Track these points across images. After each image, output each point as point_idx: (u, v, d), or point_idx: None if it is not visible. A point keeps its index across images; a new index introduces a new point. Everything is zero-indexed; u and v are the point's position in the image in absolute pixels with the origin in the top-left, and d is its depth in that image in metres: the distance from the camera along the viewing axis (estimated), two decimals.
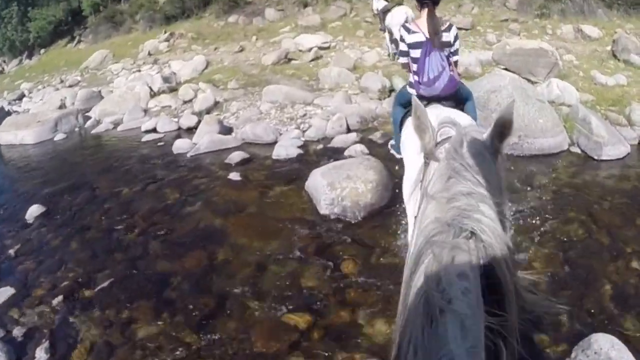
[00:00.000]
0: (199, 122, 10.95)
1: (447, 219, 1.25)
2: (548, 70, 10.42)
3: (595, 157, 7.51)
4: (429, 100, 4.36)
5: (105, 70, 20.37)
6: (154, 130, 11.60)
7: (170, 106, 13.04)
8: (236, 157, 8.65)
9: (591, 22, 16.89)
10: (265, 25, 21.97)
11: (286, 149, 8.57)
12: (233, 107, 11.67)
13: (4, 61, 33.53)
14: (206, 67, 16.23)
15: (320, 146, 8.73)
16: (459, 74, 4.84)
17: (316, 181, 6.59)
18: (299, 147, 8.75)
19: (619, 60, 11.82)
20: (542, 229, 5.56)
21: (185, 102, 12.93)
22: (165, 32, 22.06)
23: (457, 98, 4.51)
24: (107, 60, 22.17)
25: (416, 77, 4.47)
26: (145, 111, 13.17)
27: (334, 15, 21.05)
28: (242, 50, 18.65)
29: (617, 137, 7.72)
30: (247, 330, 4.41)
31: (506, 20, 18.02)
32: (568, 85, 9.44)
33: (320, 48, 16.70)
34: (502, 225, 1.31)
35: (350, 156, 7.87)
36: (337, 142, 8.64)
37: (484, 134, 1.67)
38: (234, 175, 7.96)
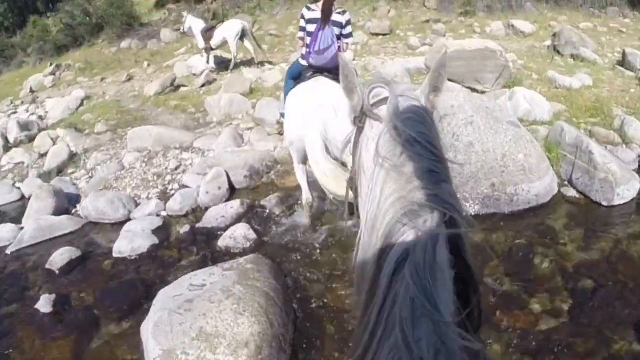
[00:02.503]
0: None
1: (416, 199, 0.98)
2: (497, 75, 7.32)
3: (605, 203, 4.50)
4: (316, 70, 4.44)
5: None
6: None
7: (23, 163, 9.06)
8: (61, 257, 5.03)
9: (521, 17, 14.20)
10: (161, 48, 18.10)
11: (133, 238, 5.02)
12: (91, 162, 7.90)
13: None
14: (81, 104, 12.26)
15: (187, 228, 5.20)
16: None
17: (147, 342, 3.11)
18: (156, 230, 5.23)
19: (562, 55, 8.81)
20: None
21: (41, 156, 9.00)
22: (50, 65, 17.67)
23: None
24: None
25: (308, 49, 4.49)
26: None
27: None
28: (130, 79, 14.77)
29: (625, 169, 4.64)
30: None
31: (427, 21, 15.09)
32: (535, 94, 6.33)
33: (217, 70, 13.12)
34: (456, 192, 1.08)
35: (227, 249, 4.44)
36: (211, 219, 5.17)
37: (417, 91, 1.34)
38: (45, 304, 4.35)
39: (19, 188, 7.79)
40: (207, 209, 5.44)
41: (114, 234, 5.41)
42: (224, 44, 12.73)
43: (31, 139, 9.88)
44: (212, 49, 12.91)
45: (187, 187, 6.15)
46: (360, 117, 1.35)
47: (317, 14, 4.45)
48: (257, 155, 6.33)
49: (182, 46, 17.33)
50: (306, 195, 4.56)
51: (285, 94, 4.73)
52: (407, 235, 0.94)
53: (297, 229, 4.69)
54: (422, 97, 1.32)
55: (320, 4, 4.49)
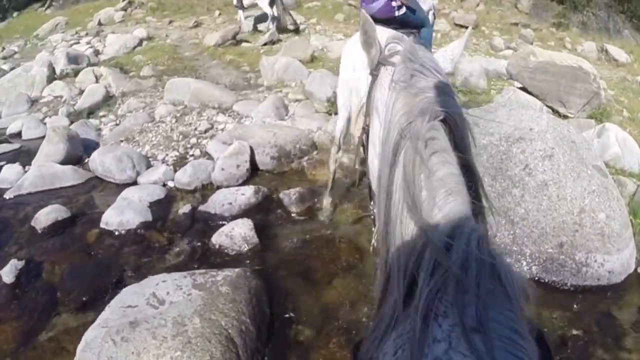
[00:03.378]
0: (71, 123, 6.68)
1: (419, 109, 1.07)
2: (585, 102, 6.04)
3: None
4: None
5: (46, 41, 15.70)
6: (19, 135, 7.18)
7: (61, 97, 8.53)
8: (47, 217, 4.34)
9: (617, 43, 12.43)
10: None
11: (125, 210, 4.23)
12: (123, 108, 7.21)
13: None
14: (139, 44, 11.64)
15: (188, 208, 4.34)
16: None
17: None
18: (154, 204, 4.41)
19: None
20: None
21: (80, 92, 8.40)
22: (123, 0, 17.23)
23: (408, 23, 4.15)
24: (58, 29, 17.47)
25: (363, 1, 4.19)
26: (33, 102, 8.65)
27: None
28: (197, 25, 14.11)
29: None
30: None
31: (516, 24, 13.55)
32: (628, 136, 5.01)
33: (287, 30, 12.17)
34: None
35: (219, 249, 3.57)
36: (216, 203, 4.26)
37: (438, 51, 1.49)
38: (9, 272, 3.72)
39: (45, 124, 7.26)
40: (218, 187, 4.57)
41: (113, 197, 4.65)
42: (254, 4, 12.36)
43: (77, 73, 9.33)
44: (244, 8, 12.79)
45: (208, 156, 5.30)
46: (377, 67, 1.43)
47: None
48: (292, 135, 5.32)
49: None
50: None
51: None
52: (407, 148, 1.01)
53: (311, 243, 3.74)
54: (443, 58, 1.42)
55: None
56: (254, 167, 4.86)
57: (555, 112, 5.97)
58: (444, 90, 1.10)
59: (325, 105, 6.51)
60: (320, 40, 11.13)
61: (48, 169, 5.36)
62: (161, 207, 4.38)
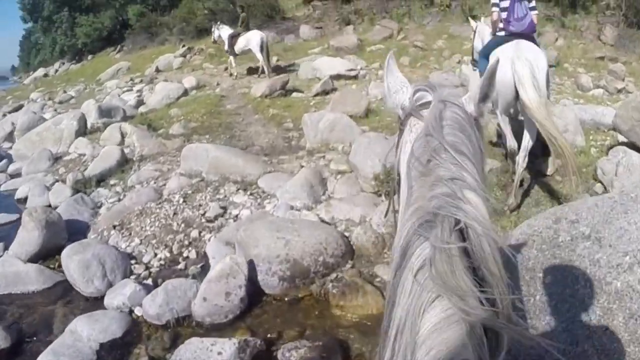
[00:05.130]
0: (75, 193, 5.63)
1: (432, 207, 0.95)
2: None
3: None
4: (516, 35, 4.72)
5: (103, 87, 15.33)
6: (26, 201, 6.24)
7: (84, 155, 7.56)
8: None
9: None
10: (296, 44, 16.32)
11: (64, 356, 2.83)
12: (134, 178, 6.05)
13: (63, 63, 29.50)
14: (184, 93, 10.69)
15: None
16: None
17: None
18: (105, 347, 3.04)
19: None
20: None
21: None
22: (183, 46, 16.73)
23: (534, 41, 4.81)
24: (119, 74, 17.23)
25: (507, 19, 4.82)
26: (57, 160, 7.77)
27: (377, 37, 15.12)
28: (251, 73, 13.08)
29: None
30: None
31: (602, 58, 11.58)
32: None
33: (344, 77, 10.91)
34: (486, 201, 1.01)
35: None
36: (184, 358, 2.74)
37: (464, 98, 1.27)
38: None
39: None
40: (199, 325, 3.14)
41: (72, 317, 3.35)
42: (246, 52, 12.61)
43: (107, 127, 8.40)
44: (235, 55, 12.86)
45: (206, 261, 3.92)
46: (403, 119, 1.31)
47: None
48: (314, 241, 3.69)
49: (320, 45, 15.40)
50: (510, 143, 4.65)
51: (481, 71, 4.97)
52: (423, 248, 0.91)
53: None
54: (469, 104, 1.25)
55: None
56: (255, 291, 3.39)
57: None
58: (460, 184, 0.96)
59: (373, 183, 5.01)
60: (381, 88, 9.72)
61: (11, 265, 4.19)
62: (112, 355, 2.99)
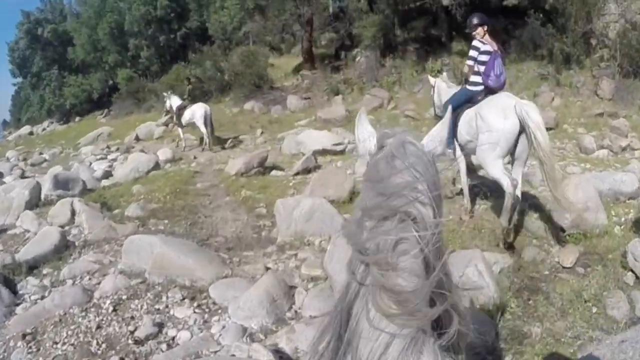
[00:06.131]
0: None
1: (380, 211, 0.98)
2: None
3: None
4: (492, 90, 5.11)
5: (79, 152, 14.59)
6: None
7: (28, 231, 6.64)
8: None
9: None
10: (283, 116, 15.86)
11: None
12: (66, 271, 5.10)
13: (52, 122, 28.92)
14: (155, 167, 9.92)
15: None
16: None
17: None
18: None
19: None
20: None
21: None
22: (165, 115, 16.20)
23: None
24: (99, 140, 16.56)
25: (486, 73, 5.09)
26: (0, 232, 6.82)
27: (367, 107, 14.56)
28: (233, 146, 12.46)
29: None
30: None
31: (601, 114, 11.22)
32: None
33: (330, 152, 10.28)
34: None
35: None
36: None
37: (423, 140, 1.31)
38: None
39: None
40: None
41: None
42: (191, 124, 12.88)
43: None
44: (182, 126, 13.17)
45: None
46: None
47: (489, 47, 5.14)
48: None
49: (307, 116, 14.90)
50: (507, 180, 4.66)
51: (450, 126, 3.15)
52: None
53: None
54: (428, 144, 1.29)
55: (486, 39, 5.19)
56: None
57: None
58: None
59: None
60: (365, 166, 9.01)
61: None
62: None
